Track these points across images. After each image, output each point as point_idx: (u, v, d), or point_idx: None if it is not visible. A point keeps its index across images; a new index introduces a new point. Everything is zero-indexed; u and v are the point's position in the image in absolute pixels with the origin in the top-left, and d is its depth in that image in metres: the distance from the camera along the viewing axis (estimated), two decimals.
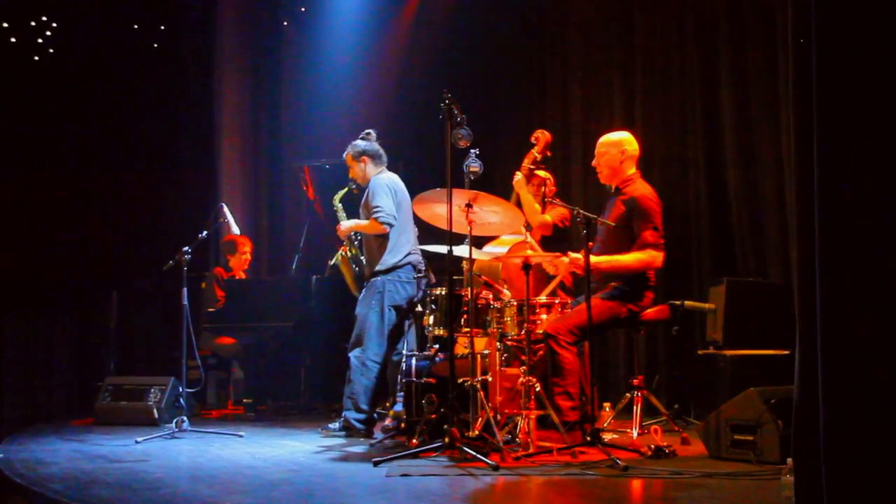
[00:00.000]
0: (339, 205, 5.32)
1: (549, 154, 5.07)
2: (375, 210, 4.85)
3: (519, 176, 5.03)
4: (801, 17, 2.32)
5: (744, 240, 5.73)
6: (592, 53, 6.82)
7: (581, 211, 4.15)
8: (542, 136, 5.04)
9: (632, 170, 4.64)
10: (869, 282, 2.15)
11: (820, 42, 2.24)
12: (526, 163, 5.00)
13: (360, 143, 5.13)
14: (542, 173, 5.22)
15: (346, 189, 5.31)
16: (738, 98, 5.81)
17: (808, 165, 2.26)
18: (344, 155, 5.19)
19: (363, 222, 4.98)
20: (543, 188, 5.15)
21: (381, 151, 5.13)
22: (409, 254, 4.94)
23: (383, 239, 4.92)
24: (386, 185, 4.94)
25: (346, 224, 5.09)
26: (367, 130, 5.19)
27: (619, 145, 4.64)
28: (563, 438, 4.10)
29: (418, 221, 4.92)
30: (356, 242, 5.27)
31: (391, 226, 4.87)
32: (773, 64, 5.50)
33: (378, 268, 4.91)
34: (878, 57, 2.19)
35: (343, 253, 5.33)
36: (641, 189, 4.54)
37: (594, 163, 4.72)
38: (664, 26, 6.35)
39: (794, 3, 2.37)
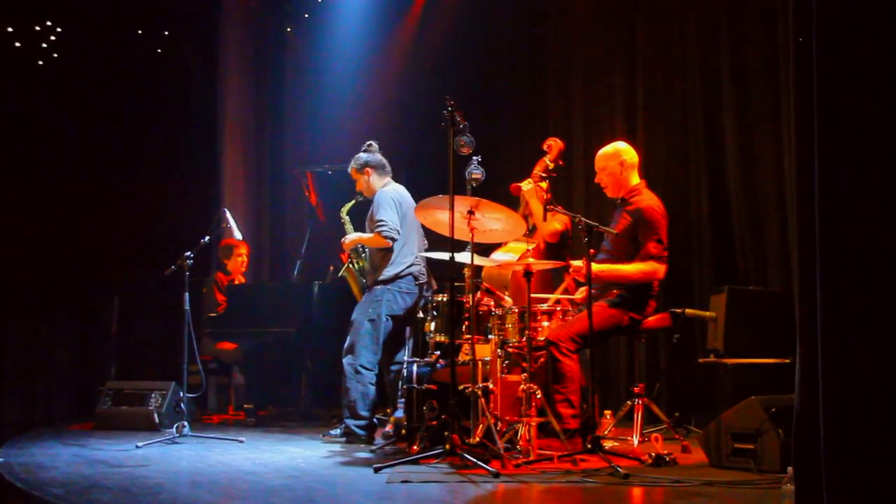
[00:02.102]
0: (347, 217, 5.32)
1: (561, 163, 5.03)
2: (379, 224, 4.87)
3: (529, 185, 4.88)
4: (801, 18, 2.32)
5: (745, 248, 5.73)
6: (594, 56, 6.82)
7: (582, 218, 4.16)
8: (554, 144, 4.97)
9: (635, 179, 4.64)
10: (870, 287, 2.15)
11: (821, 43, 2.24)
12: (537, 170, 4.96)
13: (362, 156, 5.14)
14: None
15: (353, 202, 5.31)
16: (739, 99, 5.81)
17: (810, 168, 2.25)
18: (348, 169, 5.20)
19: (367, 235, 5.00)
20: (546, 194, 5.14)
21: (385, 162, 5.15)
22: (411, 265, 4.95)
23: (386, 250, 4.93)
24: (390, 198, 4.95)
25: (349, 237, 5.10)
26: (368, 142, 5.20)
27: (616, 157, 4.64)
28: (564, 446, 4.10)
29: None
30: (363, 255, 5.28)
31: (394, 240, 4.89)
32: (774, 65, 5.50)
33: (379, 277, 4.93)
34: (880, 58, 2.19)
35: (350, 265, 5.33)
36: (648, 200, 4.53)
37: (597, 179, 4.71)
38: (665, 28, 6.36)
39: (794, 4, 2.38)
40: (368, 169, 5.10)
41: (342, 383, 4.92)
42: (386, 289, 4.91)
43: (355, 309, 5.03)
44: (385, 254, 4.95)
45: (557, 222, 5.04)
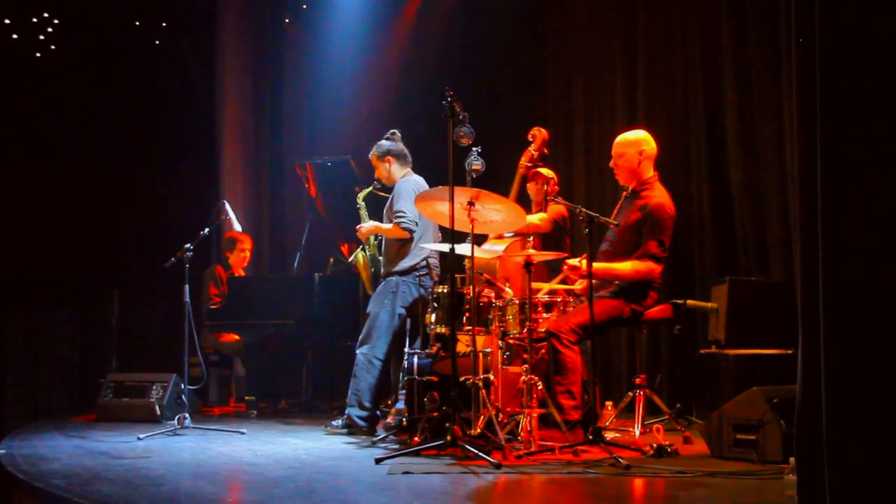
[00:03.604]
0: (363, 203, 5.30)
1: (546, 151, 5.04)
2: (398, 215, 4.86)
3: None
4: (803, 17, 2.32)
5: (746, 239, 5.72)
6: (595, 52, 6.82)
7: (583, 210, 4.14)
8: (538, 134, 4.99)
9: (650, 172, 4.56)
10: (871, 281, 2.15)
11: (823, 41, 2.23)
12: (523, 161, 4.97)
13: (384, 143, 5.13)
14: (545, 171, 5.21)
15: (369, 188, 5.30)
16: (741, 97, 5.80)
17: (812, 164, 2.25)
18: (369, 155, 5.18)
19: (385, 226, 4.99)
20: (546, 186, 5.15)
21: (406, 151, 5.13)
22: (427, 257, 4.95)
23: (403, 241, 4.93)
24: (411, 189, 4.92)
25: (366, 226, 5.09)
26: (392, 130, 5.19)
27: (636, 145, 4.56)
28: (566, 437, 4.10)
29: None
30: (375, 242, 5.26)
31: (412, 231, 4.88)
32: (776, 63, 5.49)
33: (394, 268, 4.93)
34: (881, 56, 2.18)
35: (362, 251, 5.33)
36: (658, 198, 4.47)
37: (612, 163, 4.66)
38: (666, 25, 6.34)
39: (796, 3, 2.37)
40: (390, 157, 5.09)
41: (353, 372, 4.91)
42: (402, 280, 4.91)
43: (371, 301, 5.03)
44: (402, 245, 4.95)
45: (546, 213, 5.03)
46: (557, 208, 5.06)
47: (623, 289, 4.48)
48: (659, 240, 4.41)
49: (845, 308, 2.17)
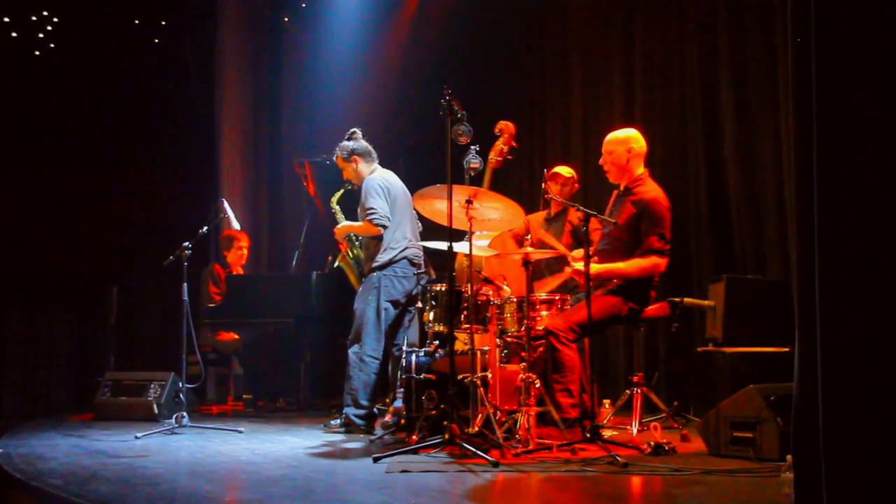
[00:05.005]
0: (337, 207, 5.30)
1: (514, 145, 5.03)
2: (369, 212, 4.86)
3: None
4: (800, 18, 2.32)
5: (743, 237, 5.73)
6: (592, 52, 6.83)
7: (581, 207, 4.14)
8: (505, 128, 4.98)
9: (640, 169, 4.57)
10: (868, 279, 2.16)
11: (819, 42, 2.24)
12: (492, 155, 4.97)
13: (347, 144, 5.12)
14: (564, 171, 5.23)
15: (342, 191, 5.30)
16: (738, 97, 5.81)
17: (808, 164, 2.26)
18: (334, 158, 5.18)
19: (357, 224, 4.99)
20: (544, 183, 5.15)
21: (370, 148, 5.13)
22: (405, 249, 4.95)
23: (379, 237, 4.93)
24: (378, 185, 4.94)
25: (339, 226, 5.10)
26: (351, 130, 5.18)
27: (625, 143, 4.58)
28: (563, 435, 4.10)
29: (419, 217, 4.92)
30: (357, 243, 5.26)
31: (385, 227, 4.88)
32: (772, 63, 5.50)
33: (374, 264, 4.93)
34: (878, 56, 2.19)
35: (344, 254, 5.33)
36: (653, 192, 4.48)
37: (601, 161, 4.67)
38: (664, 26, 6.35)
39: (793, 4, 2.37)
40: (356, 157, 5.09)
41: (345, 371, 4.92)
42: (382, 275, 4.91)
43: (356, 298, 5.03)
44: (378, 240, 4.95)
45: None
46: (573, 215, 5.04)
47: (621, 287, 4.47)
48: (659, 234, 4.41)
49: (842, 305, 2.17)
